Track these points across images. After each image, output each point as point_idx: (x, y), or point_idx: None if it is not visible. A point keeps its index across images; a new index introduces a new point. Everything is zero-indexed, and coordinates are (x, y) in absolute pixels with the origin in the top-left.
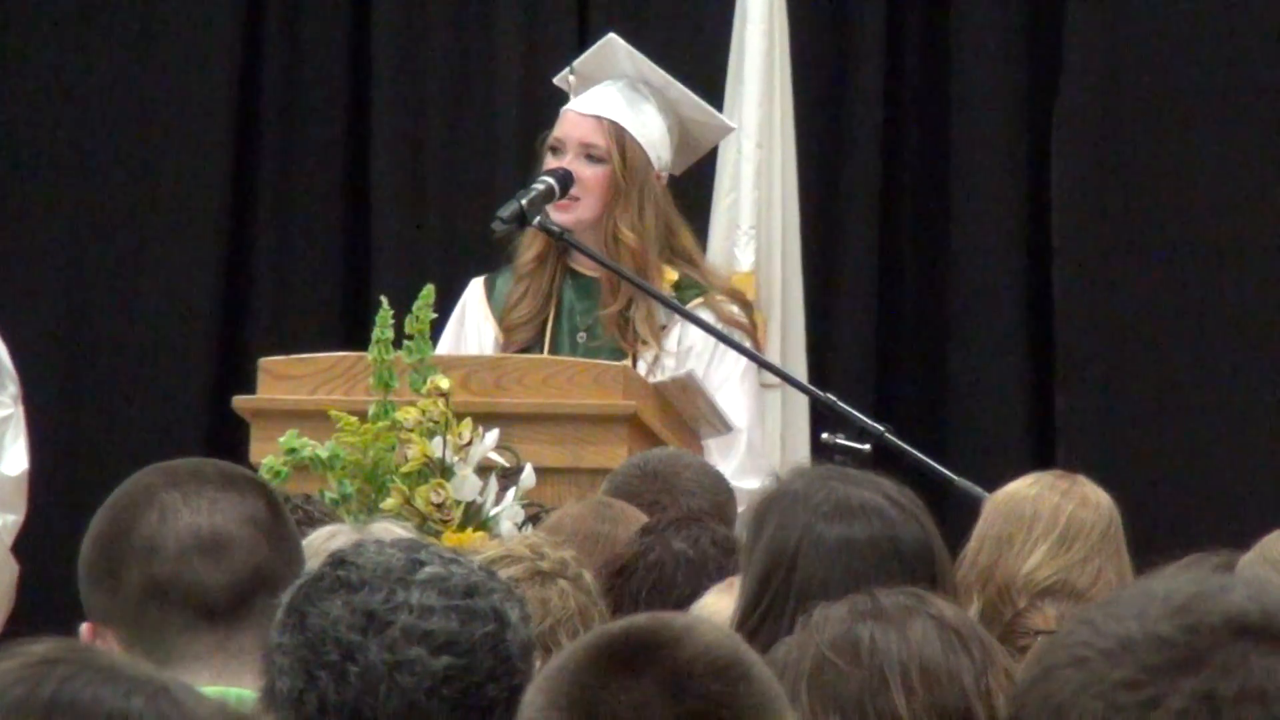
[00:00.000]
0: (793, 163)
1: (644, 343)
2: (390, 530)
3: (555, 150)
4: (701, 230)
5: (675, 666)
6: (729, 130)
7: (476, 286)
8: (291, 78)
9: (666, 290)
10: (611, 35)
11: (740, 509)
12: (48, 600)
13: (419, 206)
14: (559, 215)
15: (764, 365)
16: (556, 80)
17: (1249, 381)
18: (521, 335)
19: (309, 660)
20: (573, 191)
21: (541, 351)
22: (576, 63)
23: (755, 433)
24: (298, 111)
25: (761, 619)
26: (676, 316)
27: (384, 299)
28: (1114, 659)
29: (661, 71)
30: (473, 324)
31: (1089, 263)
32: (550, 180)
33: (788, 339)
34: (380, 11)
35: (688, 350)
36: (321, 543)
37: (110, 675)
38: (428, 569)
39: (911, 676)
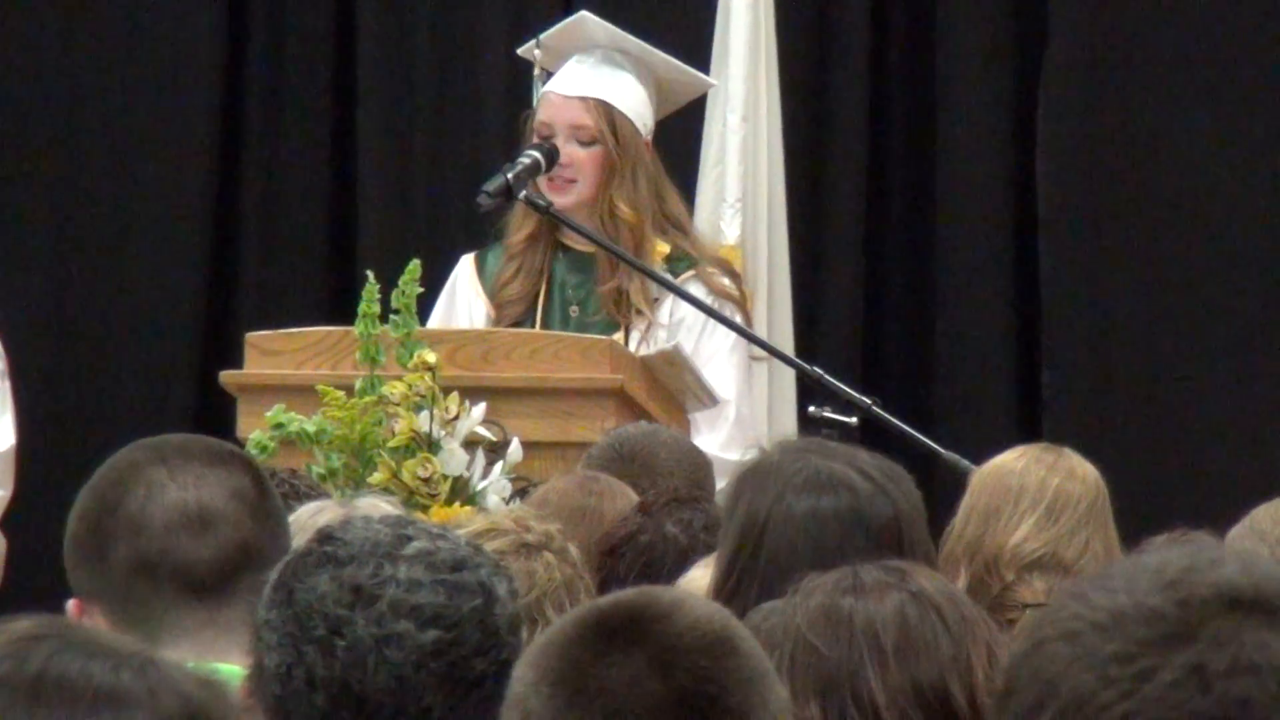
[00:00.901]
0: (778, 136)
1: (638, 312)
2: (376, 505)
3: (543, 136)
4: (688, 204)
5: (664, 641)
6: (708, 85)
7: (467, 263)
8: (277, 55)
9: (658, 263)
10: (583, 13)
11: (725, 481)
12: (35, 576)
13: (405, 181)
14: (558, 199)
15: (753, 340)
16: (521, 51)
17: (1235, 355)
18: (513, 311)
19: (296, 635)
20: (567, 174)
21: (533, 326)
22: (544, 36)
23: (744, 405)
24: (283, 88)
25: (733, 590)
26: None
27: (370, 273)
28: (1105, 632)
29: (635, 39)
30: (463, 300)
31: (1075, 236)
32: (536, 154)
33: (774, 312)
34: None
35: (679, 322)
36: (308, 518)
37: (97, 650)
38: (415, 544)
39: (887, 653)
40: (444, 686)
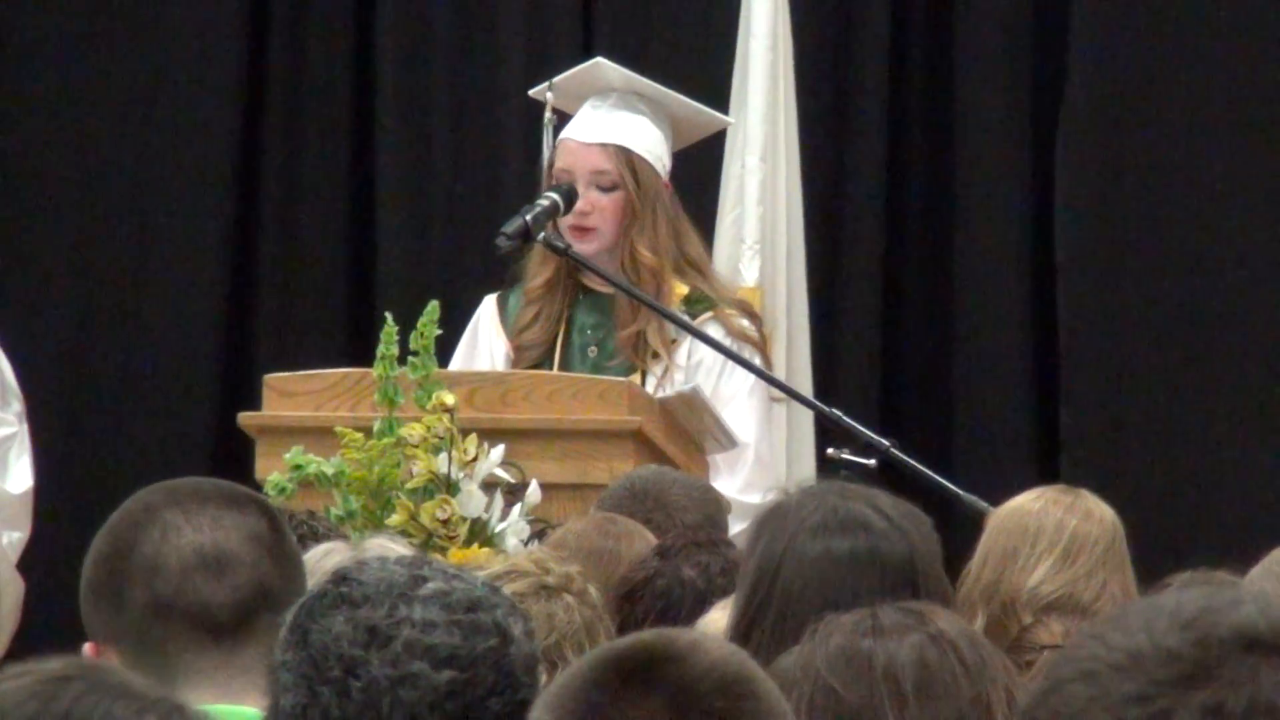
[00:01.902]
0: (797, 178)
1: (655, 355)
2: (386, 547)
3: (563, 184)
4: (706, 246)
5: (682, 683)
6: (725, 124)
7: (489, 304)
8: (295, 96)
9: (677, 304)
10: (599, 59)
11: (745, 524)
12: (52, 618)
13: (423, 223)
14: (581, 246)
15: (772, 381)
16: (533, 93)
17: (1254, 396)
18: (531, 354)
19: (312, 677)
20: (589, 223)
21: (551, 368)
22: (558, 79)
23: (763, 447)
24: (302, 128)
25: (747, 630)
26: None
27: (389, 315)
28: (1123, 672)
29: (649, 81)
30: (485, 341)
31: (1093, 278)
32: (555, 196)
33: (793, 354)
34: (384, 26)
35: (697, 365)
36: (317, 560)
37: (123, 693)
38: (430, 584)
39: (906, 694)
40: None
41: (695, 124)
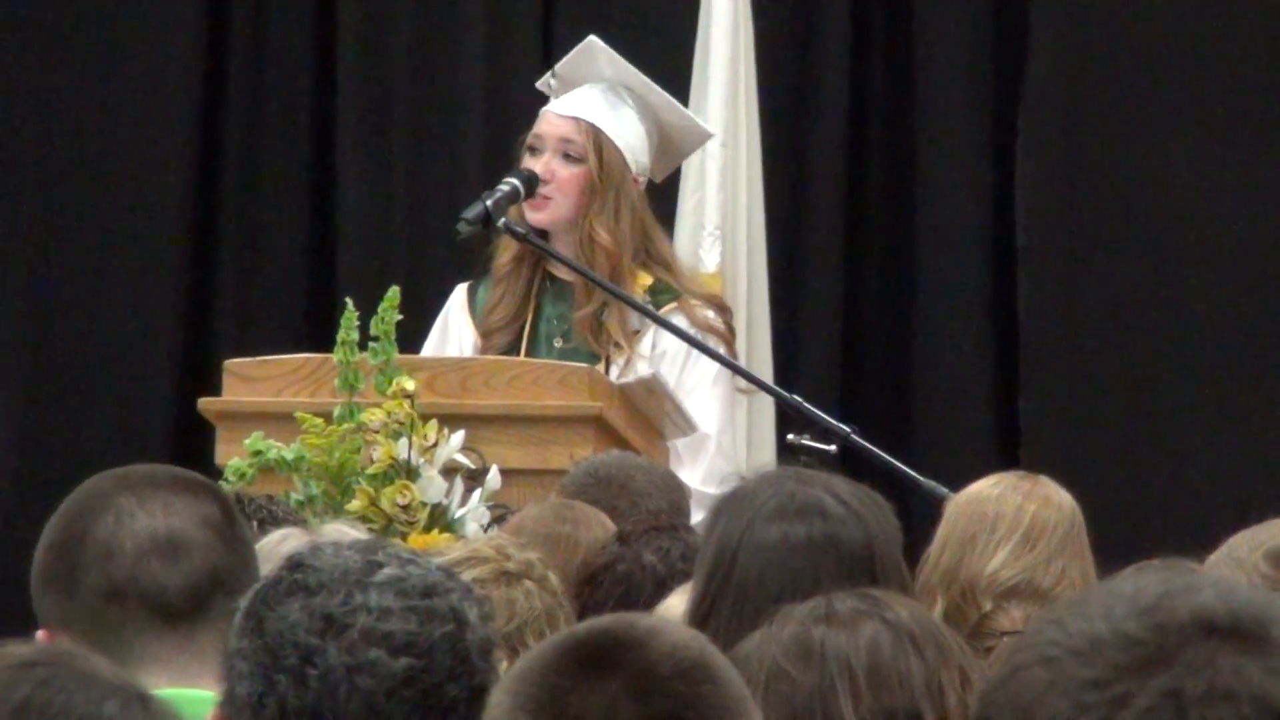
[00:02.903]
0: (758, 163)
1: (616, 345)
2: (343, 532)
3: (533, 149)
4: (667, 231)
5: (642, 668)
6: (708, 137)
7: (460, 293)
8: (255, 82)
9: (640, 294)
10: (591, 38)
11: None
12: (9, 603)
13: (384, 208)
14: (534, 214)
15: (737, 371)
16: (539, 84)
17: (1214, 384)
18: (499, 340)
19: (268, 665)
20: (546, 190)
21: (518, 356)
22: (558, 66)
23: (725, 438)
24: (261, 113)
25: (705, 616)
26: (650, 321)
27: (349, 301)
28: (1082, 658)
29: (642, 76)
30: (455, 330)
31: (1054, 264)
32: (515, 181)
33: (753, 339)
34: (345, 13)
35: (661, 355)
36: (273, 546)
37: (86, 680)
38: (385, 570)
39: (859, 680)
40: (416, 713)
41: (683, 134)
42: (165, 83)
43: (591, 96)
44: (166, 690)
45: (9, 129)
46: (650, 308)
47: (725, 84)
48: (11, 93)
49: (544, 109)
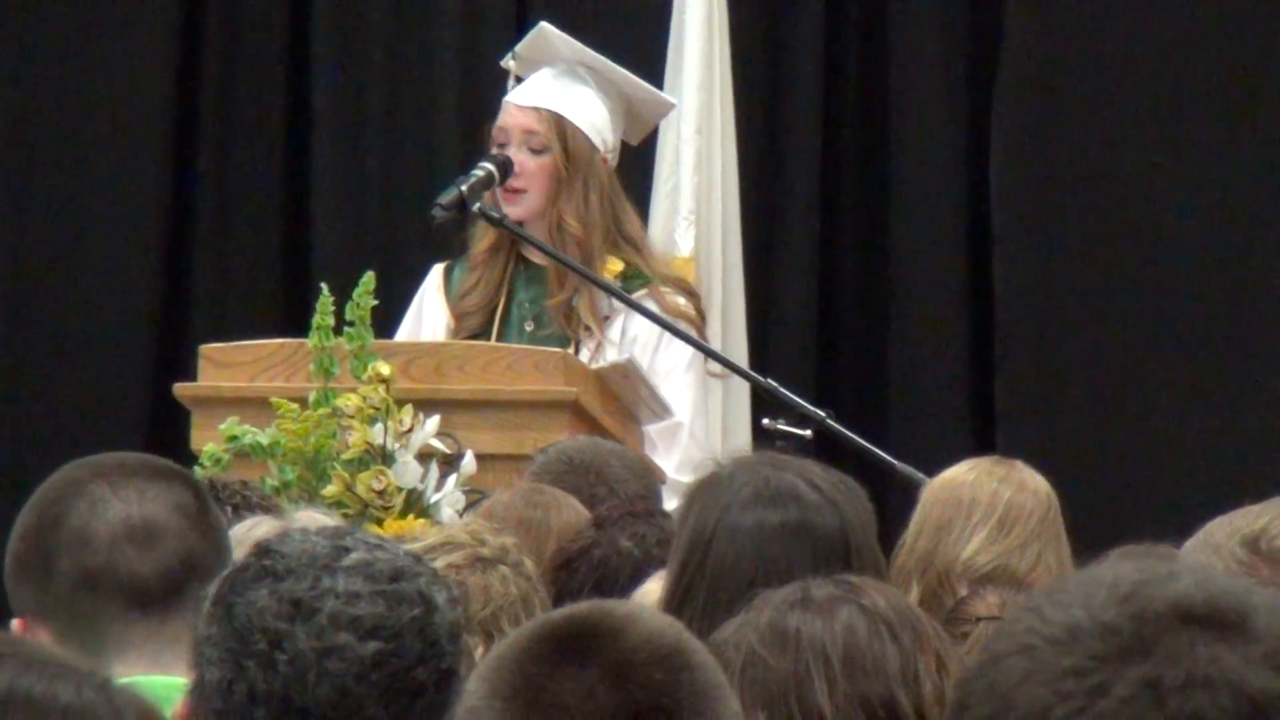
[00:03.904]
0: (733, 148)
1: (586, 329)
2: (315, 519)
3: (501, 143)
4: (642, 216)
5: (618, 655)
6: (670, 106)
7: (435, 274)
8: (230, 66)
9: (611, 279)
10: (543, 24)
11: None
12: None
13: (359, 193)
14: (509, 208)
15: (711, 355)
16: (504, 63)
17: (1190, 368)
18: (471, 323)
19: (237, 650)
20: (518, 184)
21: (489, 339)
22: (519, 47)
23: (698, 425)
24: (236, 98)
25: (680, 603)
26: (620, 306)
27: (324, 285)
28: (1060, 646)
29: (596, 54)
30: (430, 311)
31: (1029, 250)
32: (489, 166)
33: (728, 324)
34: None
35: (632, 340)
36: (244, 533)
37: (60, 669)
38: (353, 555)
39: (834, 667)
40: (386, 697)
41: (646, 105)
42: (141, 64)
43: (548, 82)
44: (141, 677)
45: None
46: (622, 291)
47: (700, 68)
48: None
49: (505, 99)
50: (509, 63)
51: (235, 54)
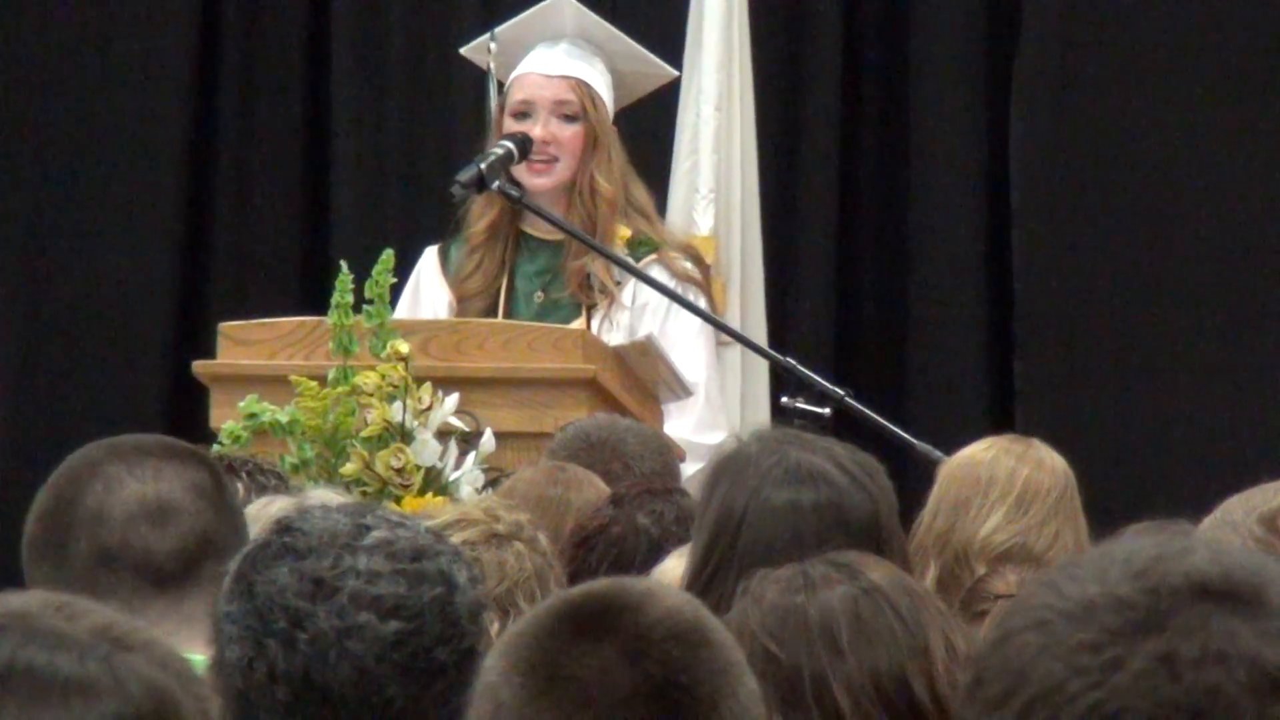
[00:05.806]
0: (752, 126)
1: (602, 291)
2: (328, 498)
3: (524, 115)
4: (661, 194)
5: (636, 632)
6: (670, 75)
7: (430, 255)
8: (250, 44)
9: (620, 247)
10: None
11: (699, 465)
12: (4, 567)
13: (378, 171)
14: (538, 179)
15: (716, 324)
16: (465, 51)
17: (1209, 346)
18: (476, 304)
19: (257, 629)
20: (550, 151)
21: (497, 317)
22: (505, 26)
23: (713, 387)
24: (256, 76)
25: (708, 582)
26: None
27: (344, 263)
28: (1075, 621)
29: (601, 22)
30: (428, 292)
31: (1048, 227)
32: (509, 144)
33: (748, 302)
34: None
35: (643, 306)
36: (259, 510)
37: (63, 640)
38: (374, 533)
39: (842, 647)
40: (406, 677)
41: (639, 77)
42: (160, 45)
43: (565, 52)
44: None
45: (2, 95)
46: (631, 262)
47: (719, 48)
48: (6, 57)
49: (520, 73)
50: (485, 48)
51: (255, 35)
